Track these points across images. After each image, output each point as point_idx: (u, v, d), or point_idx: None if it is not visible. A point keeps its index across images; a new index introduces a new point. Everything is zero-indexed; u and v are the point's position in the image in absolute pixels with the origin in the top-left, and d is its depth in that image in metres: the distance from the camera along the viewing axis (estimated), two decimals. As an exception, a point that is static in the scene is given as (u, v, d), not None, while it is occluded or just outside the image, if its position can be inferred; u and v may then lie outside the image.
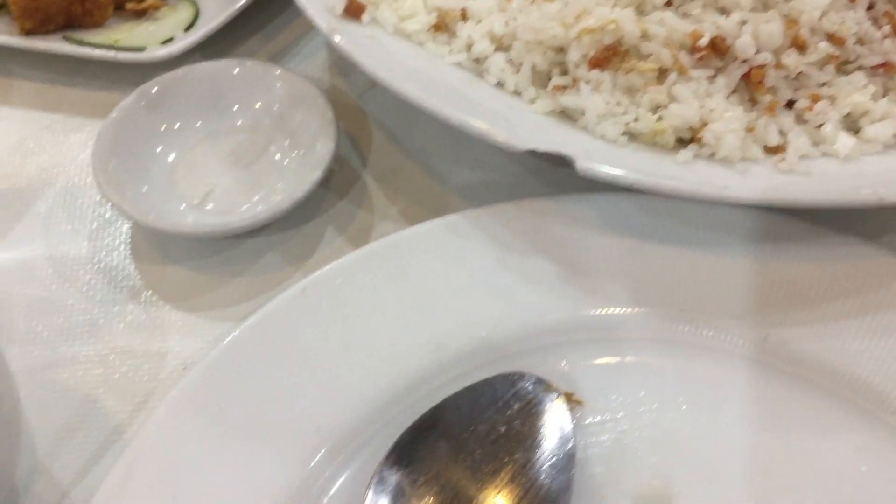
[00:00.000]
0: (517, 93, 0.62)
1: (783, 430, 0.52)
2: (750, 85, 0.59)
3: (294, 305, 0.54)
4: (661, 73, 0.59)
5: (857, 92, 0.59)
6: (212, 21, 0.80)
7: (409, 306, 0.56)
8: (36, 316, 0.63)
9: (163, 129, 0.71)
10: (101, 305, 0.64)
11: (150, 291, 0.65)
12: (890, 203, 0.51)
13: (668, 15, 0.60)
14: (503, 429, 0.50)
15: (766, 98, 0.58)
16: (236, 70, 0.72)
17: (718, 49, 0.58)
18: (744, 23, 0.59)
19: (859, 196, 0.52)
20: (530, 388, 0.52)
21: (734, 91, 0.59)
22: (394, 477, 0.48)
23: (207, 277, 0.66)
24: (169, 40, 0.80)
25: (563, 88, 0.60)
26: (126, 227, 0.69)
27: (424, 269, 0.57)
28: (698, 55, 0.58)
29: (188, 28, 0.81)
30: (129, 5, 0.83)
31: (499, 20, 0.64)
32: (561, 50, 0.61)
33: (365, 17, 0.66)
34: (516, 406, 0.51)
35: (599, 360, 0.55)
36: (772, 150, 0.57)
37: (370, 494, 0.47)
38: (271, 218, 0.64)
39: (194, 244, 0.67)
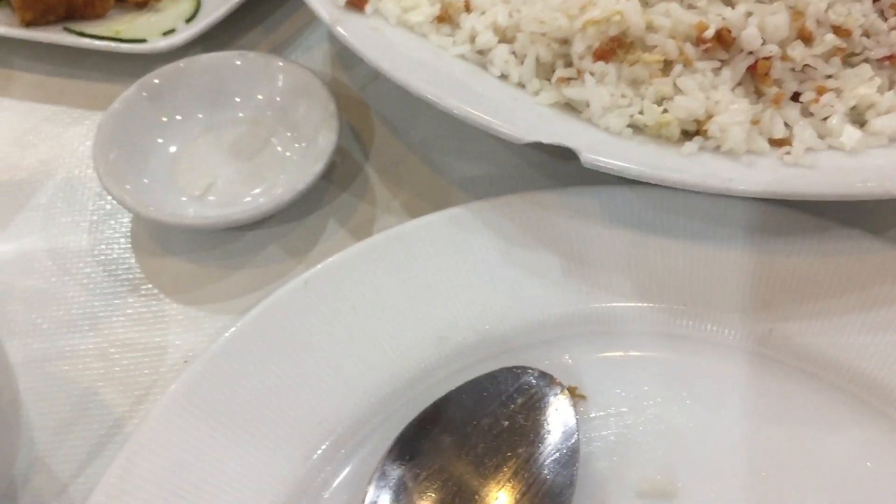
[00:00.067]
0: (521, 85, 0.62)
1: (787, 424, 0.52)
2: (755, 77, 0.58)
3: (296, 298, 0.54)
4: (667, 65, 0.58)
5: (863, 84, 0.58)
6: (213, 12, 0.80)
7: (412, 299, 0.55)
8: (36, 308, 0.63)
9: (164, 120, 0.70)
10: (101, 298, 0.64)
11: (151, 284, 0.65)
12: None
13: (674, 6, 0.59)
14: (506, 423, 0.50)
15: (772, 90, 0.58)
16: (238, 62, 0.72)
17: (724, 41, 0.58)
18: (749, 14, 0.58)
19: (865, 189, 0.52)
20: (534, 382, 0.51)
21: (740, 83, 0.58)
22: (396, 471, 0.48)
23: (208, 270, 0.65)
24: (170, 32, 0.79)
25: (567, 80, 0.60)
26: (126, 219, 0.69)
27: (427, 262, 0.57)
28: (704, 47, 0.58)
29: (190, 19, 0.81)
30: (130, -4, 0.83)
31: (502, 11, 0.63)
32: (565, 41, 0.61)
33: (368, 8, 0.66)
34: (520, 400, 0.50)
35: (603, 355, 0.55)
36: (777, 143, 0.57)
37: (372, 489, 0.47)
38: (273, 210, 0.64)
39: (195, 236, 0.67)
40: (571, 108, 0.60)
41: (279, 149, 0.71)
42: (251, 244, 0.67)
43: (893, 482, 0.49)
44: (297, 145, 0.70)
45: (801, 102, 0.58)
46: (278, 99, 0.72)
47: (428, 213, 0.58)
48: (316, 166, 0.65)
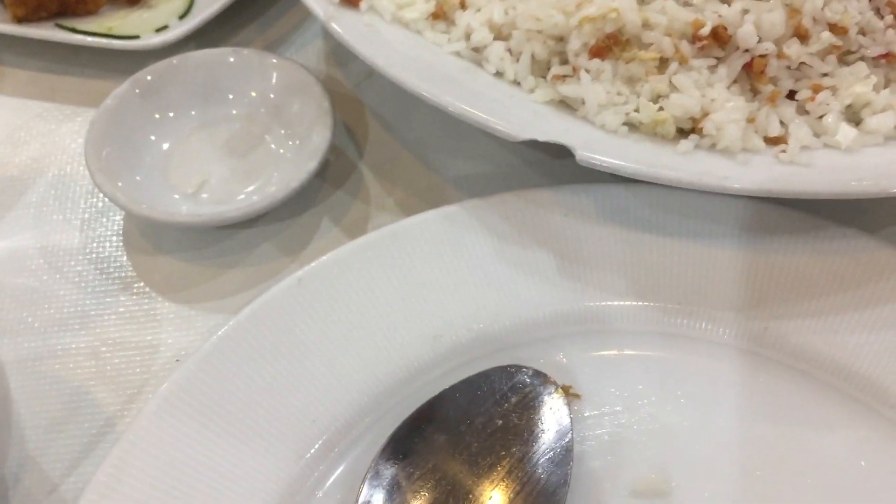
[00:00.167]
0: (516, 82, 0.61)
1: (782, 423, 0.52)
2: (751, 75, 0.58)
3: (289, 297, 0.54)
4: (662, 63, 0.58)
5: (858, 83, 0.58)
6: (207, 9, 0.79)
7: (406, 297, 0.55)
8: (27, 307, 0.63)
9: (157, 117, 0.70)
10: (92, 296, 0.64)
11: (143, 282, 0.64)
12: (891, 194, 0.51)
13: (670, 4, 0.59)
14: (500, 422, 0.49)
15: (768, 88, 0.58)
16: (232, 58, 0.72)
17: (720, 38, 0.57)
18: (746, 12, 0.58)
19: (861, 187, 0.52)
20: (528, 380, 0.51)
21: (735, 81, 0.58)
22: (389, 470, 0.48)
23: (201, 268, 0.65)
24: (163, 28, 0.79)
25: (562, 78, 0.59)
26: (119, 216, 0.69)
27: (421, 260, 0.56)
28: (700, 44, 0.58)
29: (183, 16, 0.81)
30: (123, -8, 0.83)
31: (498, 8, 0.63)
32: (561, 39, 0.61)
33: (362, 4, 0.65)
34: (514, 399, 0.50)
35: (597, 353, 0.55)
36: (773, 141, 0.57)
37: (365, 488, 0.47)
38: (266, 208, 0.64)
39: (188, 234, 0.67)
40: (567, 105, 0.60)
41: (273, 146, 0.70)
42: (244, 242, 0.66)
43: (887, 481, 0.49)
44: (290, 143, 0.70)
45: (797, 100, 0.58)
46: (272, 96, 0.71)
47: (422, 211, 0.58)
48: (310, 164, 0.64)
